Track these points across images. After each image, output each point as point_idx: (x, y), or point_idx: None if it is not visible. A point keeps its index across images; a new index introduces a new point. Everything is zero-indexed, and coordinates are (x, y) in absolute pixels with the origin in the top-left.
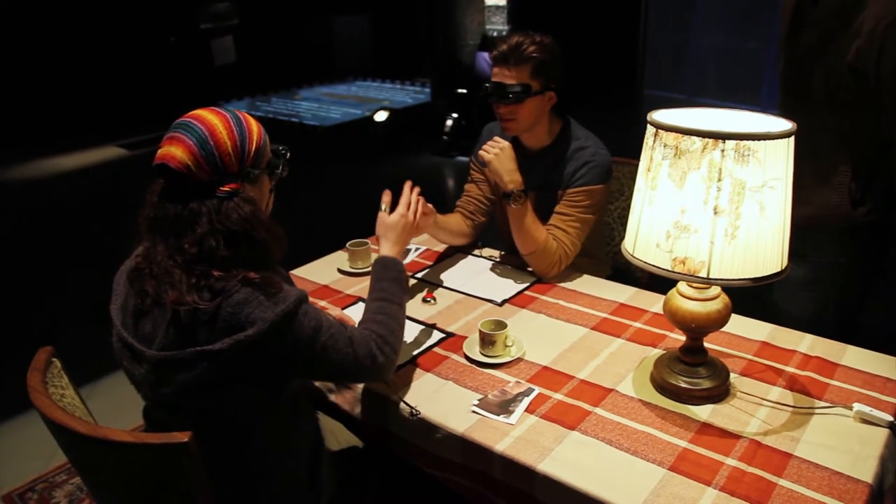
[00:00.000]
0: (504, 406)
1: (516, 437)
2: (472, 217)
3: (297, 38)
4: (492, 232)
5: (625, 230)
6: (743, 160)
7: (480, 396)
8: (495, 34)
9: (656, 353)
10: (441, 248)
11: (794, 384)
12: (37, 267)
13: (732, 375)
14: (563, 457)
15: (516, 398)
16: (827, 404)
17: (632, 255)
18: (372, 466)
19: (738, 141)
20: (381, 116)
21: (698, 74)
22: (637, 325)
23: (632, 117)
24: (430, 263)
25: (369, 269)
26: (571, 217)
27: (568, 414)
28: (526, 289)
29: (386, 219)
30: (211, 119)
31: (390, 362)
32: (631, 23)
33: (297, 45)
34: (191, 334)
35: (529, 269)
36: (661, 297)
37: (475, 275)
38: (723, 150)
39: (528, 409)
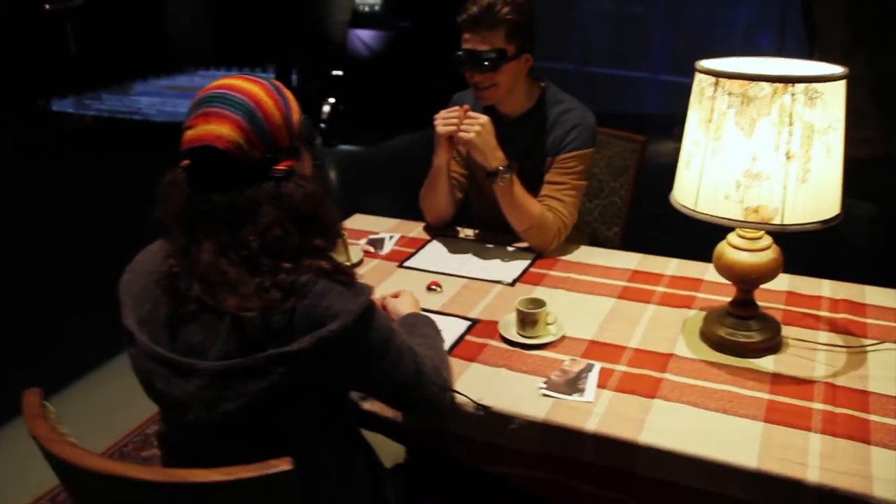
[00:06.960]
0: (572, 385)
1: (601, 413)
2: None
3: (125, 25)
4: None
5: (587, 200)
6: (811, 103)
7: (543, 379)
8: (367, 9)
9: (695, 313)
10: (417, 233)
11: (835, 327)
12: None
13: None
14: (660, 426)
15: (580, 375)
16: (875, 341)
17: (693, 210)
18: (430, 480)
19: (807, 84)
20: None
21: (586, 42)
22: (660, 289)
23: None
24: (413, 251)
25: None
26: (566, 185)
27: (640, 383)
28: (530, 266)
29: (395, 300)
30: (251, 88)
31: (446, 393)
32: None
33: (125, 33)
34: (260, 339)
35: (524, 244)
36: (669, 260)
37: (471, 257)
38: (793, 94)
39: (599, 385)
